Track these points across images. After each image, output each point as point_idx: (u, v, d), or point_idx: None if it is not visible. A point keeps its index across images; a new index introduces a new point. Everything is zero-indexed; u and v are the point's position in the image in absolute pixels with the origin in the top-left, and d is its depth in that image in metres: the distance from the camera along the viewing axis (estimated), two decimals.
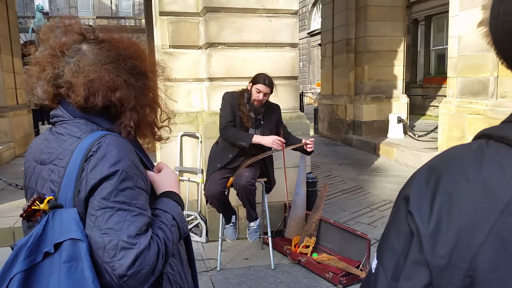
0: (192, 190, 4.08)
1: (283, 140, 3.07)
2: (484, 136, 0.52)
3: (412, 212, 0.51)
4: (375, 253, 0.58)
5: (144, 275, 0.86)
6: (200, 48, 4.09)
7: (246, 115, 3.12)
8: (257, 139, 3.06)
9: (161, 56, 4.03)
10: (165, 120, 1.15)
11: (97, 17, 26.61)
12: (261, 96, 3.09)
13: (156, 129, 1.12)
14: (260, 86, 3.08)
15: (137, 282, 0.86)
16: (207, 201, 3.24)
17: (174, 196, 1.05)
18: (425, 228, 0.49)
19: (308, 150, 3.20)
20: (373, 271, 0.56)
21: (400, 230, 0.52)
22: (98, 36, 1.02)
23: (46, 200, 0.90)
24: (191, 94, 4.15)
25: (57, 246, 0.87)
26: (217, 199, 3.12)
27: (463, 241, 0.46)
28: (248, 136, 3.07)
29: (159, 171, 1.10)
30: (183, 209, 1.07)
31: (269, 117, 3.22)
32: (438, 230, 0.48)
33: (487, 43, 0.54)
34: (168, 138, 1.16)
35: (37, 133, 9.56)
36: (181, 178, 4.06)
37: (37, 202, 0.90)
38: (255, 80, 3.12)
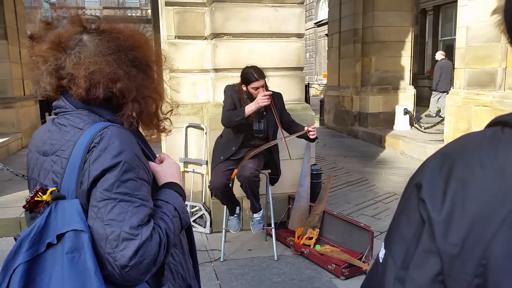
0: (197, 181, 4.10)
1: (268, 92, 2.99)
2: (499, 123, 0.52)
3: (424, 200, 0.50)
4: (383, 242, 0.57)
5: (146, 266, 0.87)
6: (205, 38, 4.08)
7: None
8: (248, 109, 2.99)
9: (166, 46, 4.03)
10: (168, 111, 1.15)
11: (104, 8, 26.62)
12: (261, 90, 3.06)
13: (159, 120, 1.12)
14: (254, 84, 3.04)
15: (139, 272, 0.87)
16: (211, 194, 3.25)
17: (176, 187, 1.05)
18: (438, 216, 0.48)
19: (311, 137, 3.18)
20: (381, 261, 0.55)
21: (411, 218, 0.51)
22: (99, 27, 1.02)
23: (48, 191, 0.91)
24: (196, 85, 4.15)
25: (60, 237, 0.88)
26: (221, 192, 3.13)
27: (477, 229, 0.45)
28: (241, 110, 3.01)
29: (161, 162, 1.10)
30: (184, 200, 1.07)
31: (271, 107, 3.21)
32: (451, 217, 0.47)
33: (500, 31, 0.53)
34: (170, 130, 1.16)
35: (44, 123, 9.64)
36: (186, 169, 4.08)
37: (39, 193, 0.90)
38: (247, 81, 3.06)
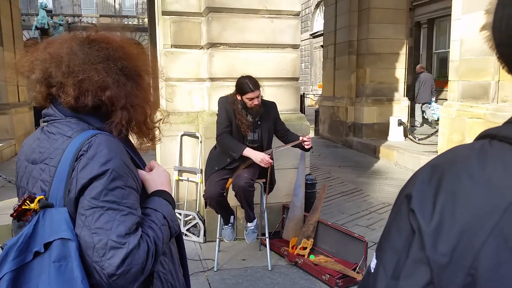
0: (191, 190, 4.08)
1: (271, 161, 3.06)
2: (487, 136, 0.52)
3: (414, 210, 0.51)
4: (374, 252, 0.57)
5: (134, 275, 0.87)
6: (202, 48, 4.10)
7: (244, 123, 3.11)
8: (247, 152, 3.04)
9: (163, 55, 4.04)
10: (158, 120, 1.15)
11: (101, 16, 26.70)
12: (256, 101, 3.07)
13: (148, 129, 1.12)
14: (249, 95, 3.05)
15: (126, 281, 0.86)
16: (206, 203, 3.24)
17: (165, 195, 1.05)
18: (427, 226, 0.48)
19: (306, 147, 3.19)
20: (372, 271, 0.56)
21: (402, 228, 0.52)
22: (89, 36, 1.02)
23: (36, 200, 0.90)
24: (192, 94, 4.16)
25: (47, 245, 0.87)
26: (216, 201, 3.12)
27: (465, 239, 0.46)
28: (240, 148, 3.06)
29: (151, 170, 1.10)
30: (174, 208, 1.07)
31: (266, 116, 3.22)
32: (440, 227, 0.48)
33: (489, 47, 0.54)
34: (160, 139, 1.16)
35: None
36: (180, 177, 4.06)
37: (27, 201, 0.90)
38: (242, 91, 3.07)
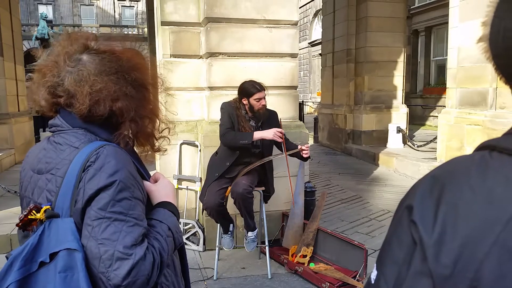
0: (191, 198, 4.09)
1: (282, 131, 3.06)
2: (487, 147, 0.52)
3: (415, 222, 0.50)
4: (375, 264, 0.57)
5: (139, 286, 0.87)
6: (201, 57, 4.13)
7: (246, 128, 3.13)
8: (258, 134, 3.06)
9: (162, 65, 4.07)
10: (163, 130, 1.16)
11: (100, 26, 26.84)
12: (263, 101, 3.13)
13: (155, 140, 1.13)
14: (257, 96, 3.09)
15: None
16: (204, 211, 3.24)
17: (170, 207, 1.06)
18: (429, 238, 0.48)
19: (304, 156, 3.20)
20: (373, 282, 0.55)
21: (403, 240, 0.52)
22: (100, 47, 1.03)
23: (43, 210, 0.91)
24: (191, 102, 4.18)
25: (53, 255, 0.88)
26: (216, 211, 3.13)
27: (468, 251, 0.46)
28: (249, 134, 3.07)
29: (156, 181, 1.10)
30: (178, 219, 1.07)
31: (267, 123, 3.25)
32: (442, 239, 0.47)
33: (486, 58, 0.54)
34: (166, 149, 1.17)
35: (38, 140, 9.58)
36: (179, 186, 4.07)
37: (33, 211, 0.90)
38: (248, 93, 3.11)
